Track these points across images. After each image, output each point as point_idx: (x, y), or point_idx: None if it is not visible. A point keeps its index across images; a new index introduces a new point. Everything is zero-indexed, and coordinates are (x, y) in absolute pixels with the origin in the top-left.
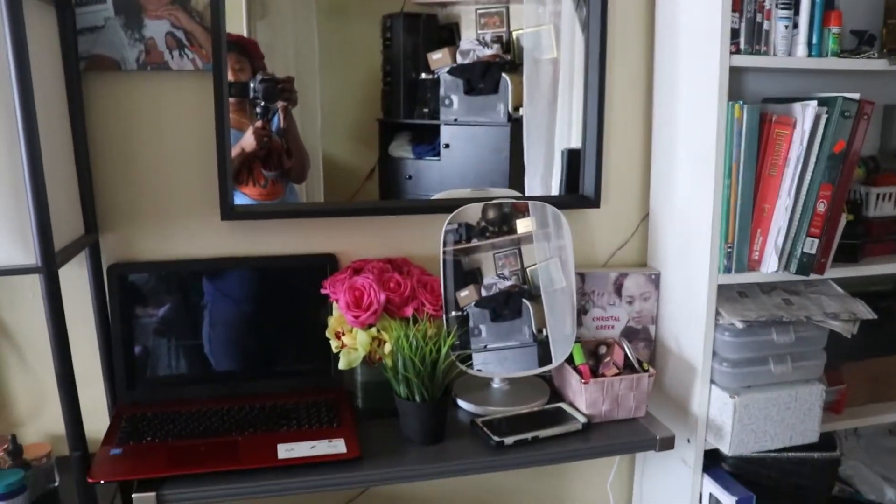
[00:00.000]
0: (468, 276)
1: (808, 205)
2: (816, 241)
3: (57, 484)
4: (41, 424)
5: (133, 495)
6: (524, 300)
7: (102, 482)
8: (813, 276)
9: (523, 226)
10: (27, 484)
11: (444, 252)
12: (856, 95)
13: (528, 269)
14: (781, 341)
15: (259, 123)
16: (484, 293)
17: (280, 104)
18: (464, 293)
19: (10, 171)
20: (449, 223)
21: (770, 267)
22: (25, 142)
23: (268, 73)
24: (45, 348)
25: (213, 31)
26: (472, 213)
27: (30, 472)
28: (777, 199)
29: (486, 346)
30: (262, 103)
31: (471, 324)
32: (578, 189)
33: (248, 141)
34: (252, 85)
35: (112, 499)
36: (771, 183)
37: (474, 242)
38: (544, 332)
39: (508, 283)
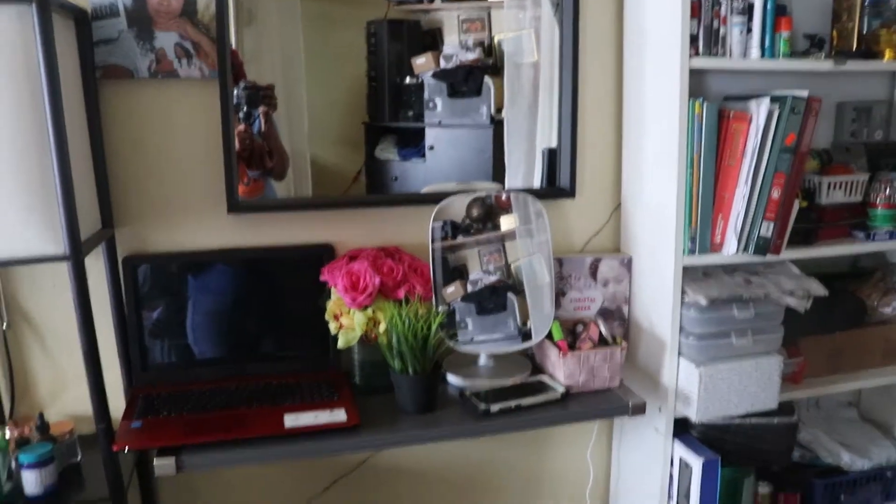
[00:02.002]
0: (454, 271)
1: (763, 192)
2: (772, 224)
3: (80, 458)
4: (62, 406)
5: (154, 461)
6: (509, 294)
7: (126, 450)
8: (770, 257)
9: (507, 223)
10: (55, 456)
11: (433, 249)
12: (804, 93)
13: (512, 265)
14: (742, 317)
15: (242, 127)
16: (470, 288)
17: (262, 109)
18: (450, 289)
19: (40, 169)
20: (435, 219)
21: (730, 249)
22: (55, 143)
23: (249, 80)
24: (65, 335)
25: (219, 41)
26: (457, 209)
27: (56, 446)
28: (735, 188)
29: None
30: (245, 108)
31: (457, 318)
32: (556, 182)
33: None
34: (236, 92)
35: (131, 472)
36: (730, 172)
37: (460, 239)
38: (528, 325)
39: (493, 278)
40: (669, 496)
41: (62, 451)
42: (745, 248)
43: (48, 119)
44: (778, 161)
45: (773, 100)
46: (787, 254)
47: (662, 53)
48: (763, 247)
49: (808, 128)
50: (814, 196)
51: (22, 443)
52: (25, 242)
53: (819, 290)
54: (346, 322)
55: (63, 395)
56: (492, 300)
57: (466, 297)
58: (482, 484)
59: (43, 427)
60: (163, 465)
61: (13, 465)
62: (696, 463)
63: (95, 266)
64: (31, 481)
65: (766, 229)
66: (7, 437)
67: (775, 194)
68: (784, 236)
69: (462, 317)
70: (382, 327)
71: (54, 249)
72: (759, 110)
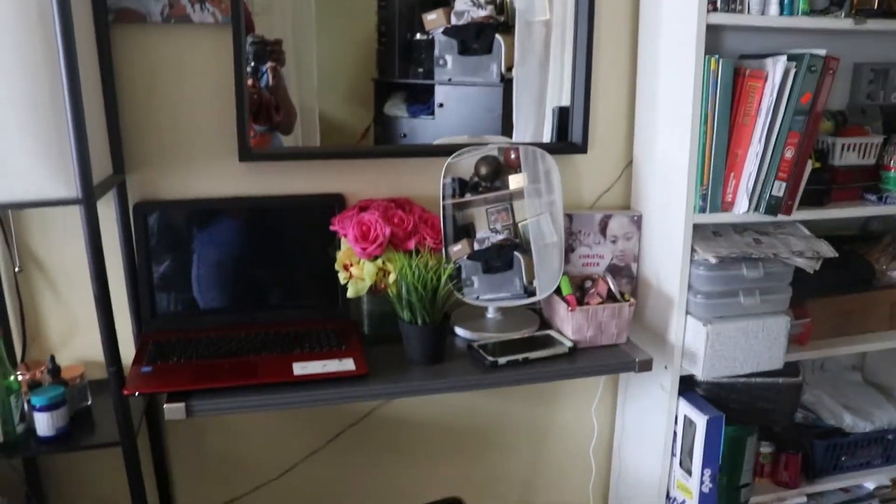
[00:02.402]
0: (461, 230)
1: (776, 151)
2: (784, 184)
3: (90, 402)
4: (72, 351)
5: (164, 406)
6: (516, 253)
7: (136, 394)
8: (780, 217)
9: (515, 182)
10: (66, 399)
11: (444, 206)
12: (822, 52)
13: (519, 224)
14: (751, 276)
15: (250, 81)
16: (477, 247)
17: (269, 64)
18: (457, 247)
19: (53, 112)
20: (445, 175)
21: (741, 208)
22: (68, 86)
23: (257, 35)
24: (76, 280)
25: None
26: (465, 166)
27: (67, 389)
28: (749, 146)
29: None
30: (253, 63)
31: (463, 275)
32: (568, 138)
33: None
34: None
35: (140, 416)
36: (743, 131)
37: (467, 197)
38: (534, 285)
39: (501, 237)
40: (673, 453)
41: (73, 394)
42: (757, 208)
43: (61, 63)
44: (792, 121)
45: (790, 58)
46: (798, 215)
47: (679, 8)
48: (774, 206)
49: (825, 87)
50: (827, 157)
51: (34, 386)
52: (37, 185)
53: (829, 251)
54: (356, 272)
55: (74, 340)
56: (498, 259)
57: (473, 256)
58: (487, 437)
59: (54, 370)
60: (173, 410)
61: (25, 407)
62: (701, 420)
63: (106, 212)
64: (43, 423)
65: (778, 189)
66: (20, 379)
67: (788, 154)
68: (796, 197)
69: (468, 275)
70: (392, 278)
71: (66, 193)
72: (776, 68)
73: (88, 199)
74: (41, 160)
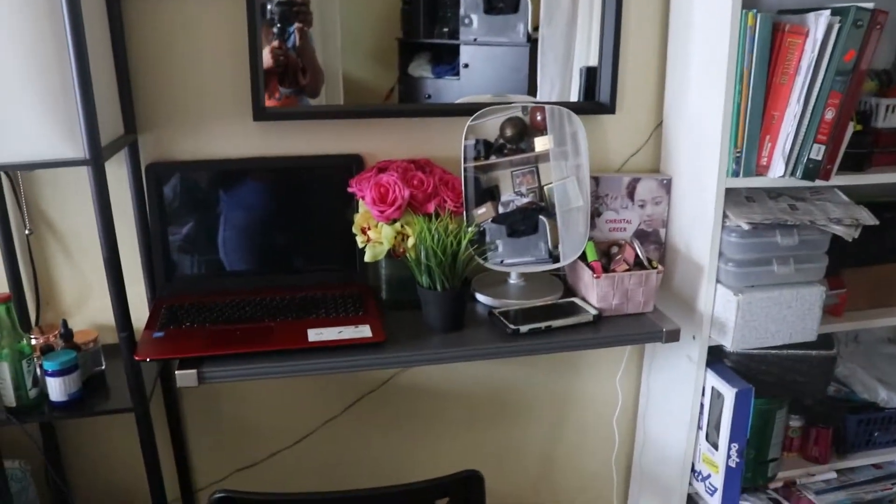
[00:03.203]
0: (486, 193)
1: (816, 112)
2: (823, 147)
3: (103, 367)
4: (86, 315)
5: (176, 372)
6: (541, 217)
7: (148, 360)
8: (818, 182)
9: (541, 144)
10: (79, 364)
11: (465, 169)
12: (870, 5)
13: (545, 188)
14: (785, 243)
15: (276, 43)
16: (501, 210)
17: (296, 25)
18: (481, 210)
19: (59, 70)
20: (467, 137)
21: (777, 172)
22: (73, 43)
23: None
24: (89, 243)
25: None
26: (490, 128)
27: (80, 354)
28: (787, 107)
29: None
30: (279, 25)
31: (487, 239)
32: (595, 98)
33: (264, 58)
34: (269, 7)
35: (154, 381)
36: (781, 91)
37: (492, 160)
38: (559, 250)
39: (525, 201)
40: (699, 426)
41: (86, 359)
42: (793, 172)
43: (66, 19)
44: (834, 80)
45: (834, 12)
46: (837, 179)
47: None
48: (812, 171)
49: (870, 44)
50: (869, 119)
51: (46, 350)
52: (44, 146)
53: (869, 218)
54: (374, 235)
55: (88, 304)
56: (523, 223)
57: (497, 219)
58: (507, 406)
59: (67, 335)
60: (184, 377)
61: (38, 372)
62: (729, 393)
63: (118, 173)
64: (56, 388)
65: (817, 152)
66: (33, 343)
67: (829, 115)
68: (835, 161)
69: (492, 238)
70: (411, 242)
71: (74, 153)
72: (818, 23)
73: (96, 160)
74: (47, 120)
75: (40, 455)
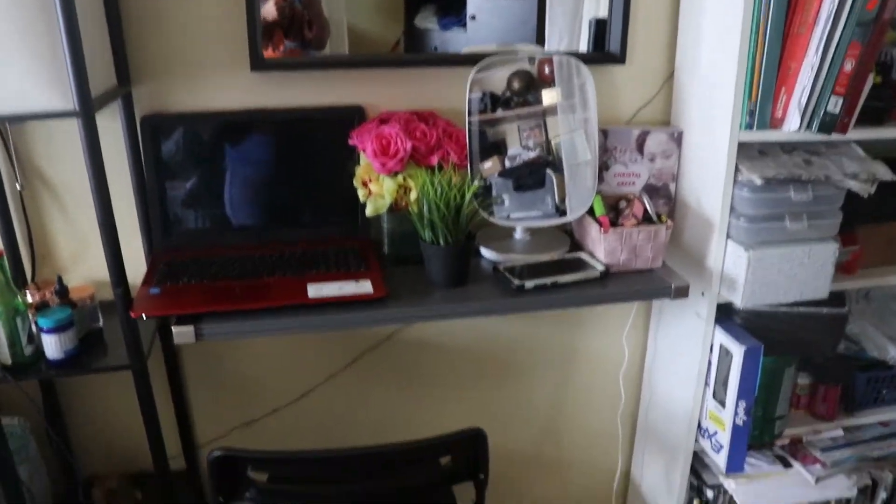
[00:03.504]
0: (492, 146)
1: (835, 63)
2: (841, 99)
3: (101, 324)
4: (82, 271)
5: (173, 329)
6: (548, 171)
7: (144, 317)
8: (835, 136)
9: (549, 97)
10: (74, 321)
11: (470, 122)
12: None
13: (552, 141)
14: (799, 199)
15: None
16: (508, 164)
17: None
18: (487, 164)
19: (45, 19)
20: (473, 90)
21: (792, 125)
22: None
23: None
24: (83, 198)
25: None
26: (497, 80)
27: (76, 311)
28: (804, 58)
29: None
30: None
31: (493, 193)
32: (605, 48)
33: (268, 10)
34: None
35: (152, 338)
36: (798, 41)
37: (499, 113)
38: (566, 203)
39: (532, 155)
40: (706, 383)
41: (82, 316)
42: (809, 126)
43: None
44: (854, 30)
45: None
46: (854, 134)
47: None
48: (829, 124)
49: None
50: (890, 71)
51: (42, 307)
52: (32, 97)
53: (886, 174)
54: (376, 189)
55: (85, 260)
56: (530, 177)
57: (504, 173)
58: (512, 362)
59: (62, 291)
60: (181, 333)
61: (34, 329)
62: (738, 350)
63: (112, 126)
64: (51, 346)
65: (834, 105)
66: (28, 300)
67: (848, 66)
68: (853, 114)
69: (499, 192)
70: (413, 195)
71: (62, 105)
72: None
73: (87, 112)
74: (33, 70)
75: (38, 412)
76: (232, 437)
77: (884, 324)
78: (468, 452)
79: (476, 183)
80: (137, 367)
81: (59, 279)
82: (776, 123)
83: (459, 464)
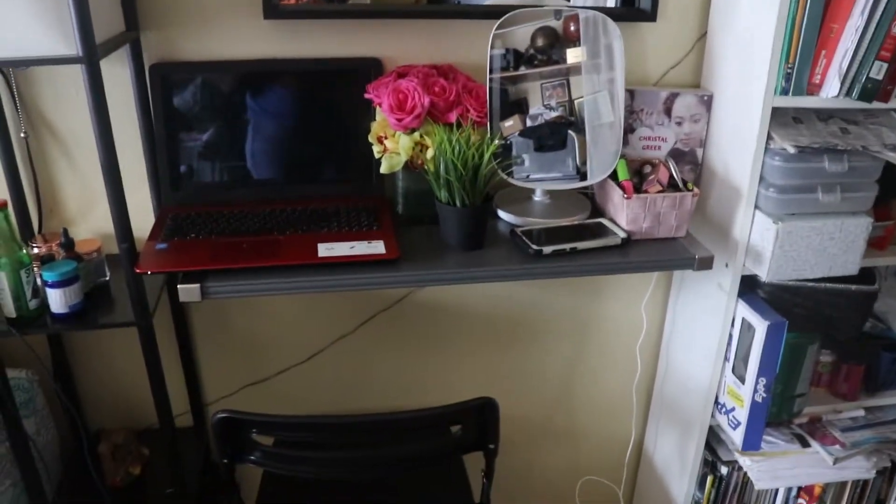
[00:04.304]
0: (514, 105)
1: (882, 26)
2: (885, 65)
3: (108, 278)
4: (91, 223)
5: (178, 286)
6: (570, 132)
7: (149, 272)
8: (875, 104)
9: (574, 56)
10: (80, 275)
11: (491, 79)
12: None
13: (575, 101)
14: (833, 170)
15: None
16: (529, 123)
17: None
18: (508, 123)
19: None
20: (495, 46)
21: (831, 91)
22: None
23: None
24: (91, 148)
25: None
26: (521, 37)
27: (82, 264)
28: (848, 19)
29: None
30: None
31: (514, 152)
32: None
33: None
34: None
35: (159, 293)
36: (843, 2)
37: (522, 70)
38: (588, 166)
39: (554, 114)
40: (726, 357)
41: (88, 270)
42: (849, 92)
43: None
44: None
45: None
46: None
47: None
48: (870, 91)
49: None
50: None
51: (48, 259)
52: (34, 41)
53: None
54: (391, 145)
55: (94, 212)
56: (551, 137)
57: (525, 133)
58: (526, 329)
59: (67, 244)
60: (187, 291)
61: (38, 282)
62: (761, 325)
63: (121, 73)
64: (56, 300)
65: (878, 71)
66: (34, 253)
67: (895, 30)
68: None
69: (518, 152)
70: (430, 153)
71: (65, 49)
72: None
73: (91, 58)
74: (35, 12)
75: (43, 366)
76: (240, 396)
77: None
78: (479, 422)
79: (496, 142)
80: (143, 324)
81: (65, 231)
82: (813, 89)
83: (469, 433)
